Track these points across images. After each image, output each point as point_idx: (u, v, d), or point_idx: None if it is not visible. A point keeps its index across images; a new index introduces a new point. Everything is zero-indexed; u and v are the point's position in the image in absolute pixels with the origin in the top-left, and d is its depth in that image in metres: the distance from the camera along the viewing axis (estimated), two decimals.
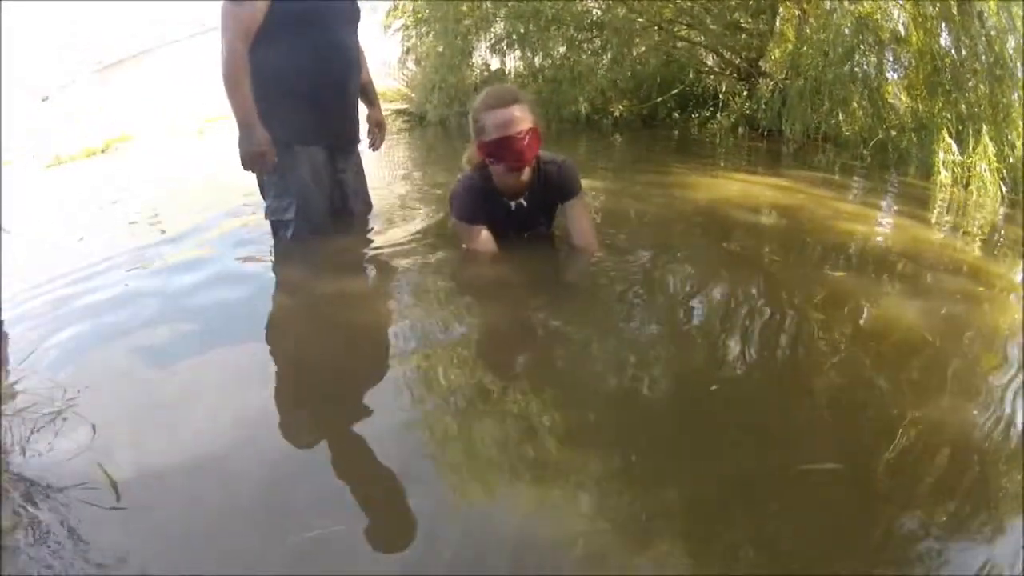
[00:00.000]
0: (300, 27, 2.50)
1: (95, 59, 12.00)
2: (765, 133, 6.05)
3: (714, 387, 1.67)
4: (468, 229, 2.47)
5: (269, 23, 2.43)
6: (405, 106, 9.17)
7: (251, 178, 2.73)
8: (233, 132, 2.53)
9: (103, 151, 8.12)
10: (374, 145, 3.04)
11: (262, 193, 2.71)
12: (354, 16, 2.78)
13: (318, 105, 2.61)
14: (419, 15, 8.56)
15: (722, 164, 5.41)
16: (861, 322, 2.09)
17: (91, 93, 11.30)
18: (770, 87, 6.10)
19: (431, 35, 8.43)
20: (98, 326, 2.12)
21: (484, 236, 2.45)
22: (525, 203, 2.50)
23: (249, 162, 2.50)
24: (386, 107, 2.98)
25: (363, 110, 2.94)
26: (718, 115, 6.80)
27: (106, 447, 1.40)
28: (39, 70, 11.02)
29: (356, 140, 2.86)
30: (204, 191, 4.35)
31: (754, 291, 2.35)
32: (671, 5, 6.95)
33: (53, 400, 1.57)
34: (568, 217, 2.54)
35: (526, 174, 2.38)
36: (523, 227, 2.61)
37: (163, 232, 3.26)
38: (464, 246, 2.50)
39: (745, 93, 6.63)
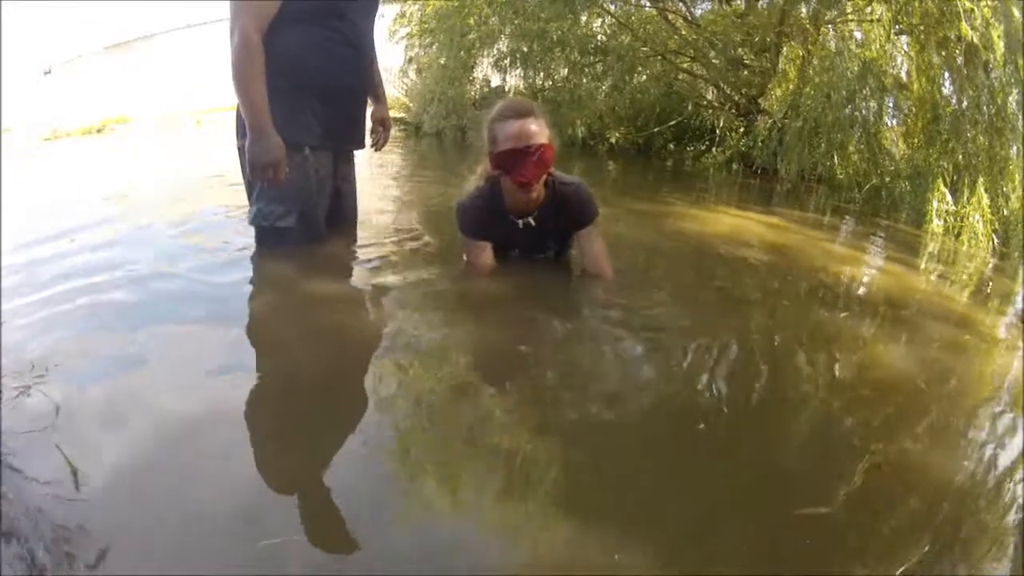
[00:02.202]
0: (321, 16, 2.31)
1: (105, 36, 11.93)
2: (759, 171, 6.05)
3: (700, 426, 1.61)
4: (469, 244, 2.39)
5: (287, 10, 2.23)
6: (402, 115, 9.19)
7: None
8: (230, 125, 2.38)
9: (99, 131, 8.10)
10: (377, 145, 2.85)
11: (249, 195, 2.48)
12: (375, 4, 2.61)
13: (333, 106, 2.43)
14: (425, 25, 8.60)
15: (714, 199, 5.39)
16: (847, 364, 2.06)
17: (96, 70, 11.25)
18: (768, 125, 6.09)
19: (435, 46, 8.46)
20: (73, 308, 2.03)
21: (484, 252, 2.37)
22: (534, 223, 2.38)
23: (259, 170, 2.26)
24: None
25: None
26: (714, 149, 6.81)
27: (70, 429, 1.37)
28: (45, 43, 10.94)
29: (362, 144, 2.69)
30: (196, 184, 4.24)
31: (741, 329, 2.28)
32: (676, 37, 6.96)
33: (21, 375, 1.54)
34: (581, 244, 2.44)
35: (537, 192, 2.28)
36: (531, 248, 2.51)
37: (145, 221, 3.14)
38: (464, 259, 2.42)
39: (742, 129, 6.63)
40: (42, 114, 8.09)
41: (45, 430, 1.34)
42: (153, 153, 6.42)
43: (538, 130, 2.18)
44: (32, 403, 1.44)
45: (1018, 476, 1.51)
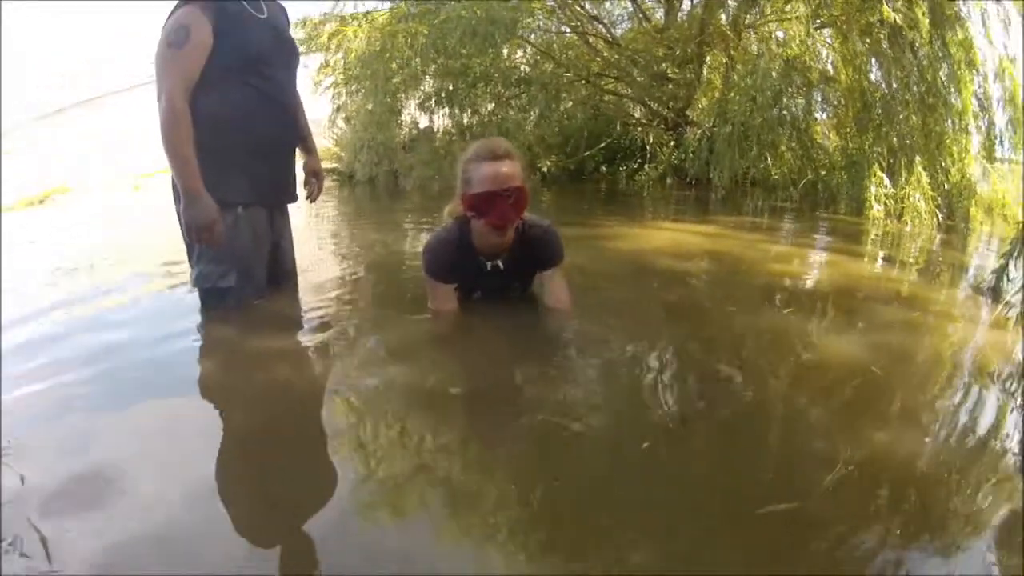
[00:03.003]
0: (244, 73, 2.29)
1: (39, 106, 11.72)
2: (693, 182, 5.92)
3: (645, 444, 1.51)
4: (433, 285, 2.31)
5: (210, 70, 2.21)
6: (335, 165, 8.96)
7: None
8: (167, 186, 2.36)
9: (41, 202, 7.82)
10: (312, 196, 2.78)
11: (189, 257, 2.46)
12: (296, 59, 2.60)
13: (262, 161, 2.41)
14: (349, 72, 8.44)
15: (651, 214, 5.31)
16: (801, 360, 2.05)
17: (33, 140, 11.05)
18: (697, 136, 5.97)
19: (361, 93, 8.29)
20: (30, 378, 1.96)
21: (448, 297, 2.31)
22: (502, 265, 2.31)
23: (195, 233, 2.25)
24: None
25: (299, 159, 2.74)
26: (646, 166, 6.67)
27: (36, 499, 1.33)
28: None
29: (295, 198, 2.64)
30: (138, 250, 4.08)
31: (689, 338, 2.28)
32: (598, 59, 6.85)
33: None
34: (544, 281, 2.39)
35: (508, 234, 2.22)
36: (497, 290, 2.43)
37: (96, 291, 3.04)
38: (429, 305, 2.34)
39: (673, 143, 6.49)
40: None
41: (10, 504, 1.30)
42: (96, 222, 6.18)
43: (513, 172, 2.12)
44: None
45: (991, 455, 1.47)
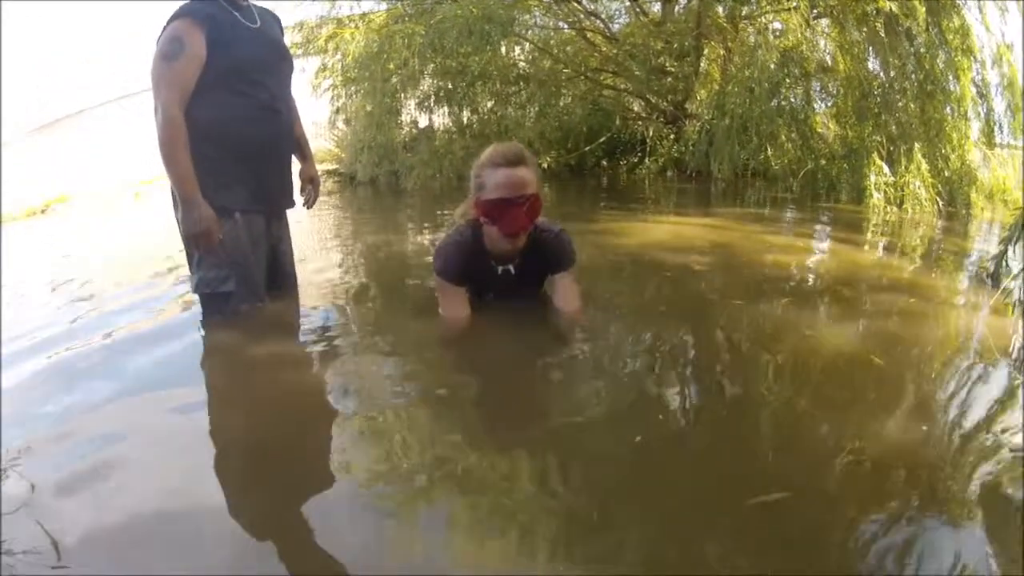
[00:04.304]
0: (237, 83, 2.35)
1: (33, 118, 11.74)
2: (693, 174, 5.90)
3: (639, 438, 1.53)
4: (444, 288, 2.29)
5: (204, 79, 2.28)
6: (335, 166, 8.98)
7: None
8: (167, 194, 2.40)
9: (43, 212, 7.90)
10: (308, 202, 2.82)
11: (190, 264, 2.49)
12: (290, 66, 2.64)
13: (258, 168, 2.46)
14: (348, 75, 8.44)
15: (652, 208, 5.27)
16: (802, 349, 2.04)
17: (31, 152, 11.09)
18: (697, 128, 5.94)
19: (360, 94, 8.29)
20: (36, 389, 1.99)
21: (459, 301, 2.28)
22: (514, 270, 2.31)
23: (193, 239, 2.32)
24: (317, 168, 2.88)
25: (295, 165, 2.77)
26: (646, 160, 6.69)
27: (46, 506, 1.35)
28: None
29: (292, 203, 2.68)
30: (142, 258, 4.07)
31: (692, 331, 2.29)
32: (596, 54, 6.85)
33: None
34: (555, 283, 2.35)
35: (521, 241, 2.20)
36: (507, 293, 2.40)
37: (99, 299, 3.07)
38: (439, 308, 2.33)
39: (672, 136, 6.50)
40: None
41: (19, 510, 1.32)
42: (96, 231, 6.21)
43: (528, 179, 2.11)
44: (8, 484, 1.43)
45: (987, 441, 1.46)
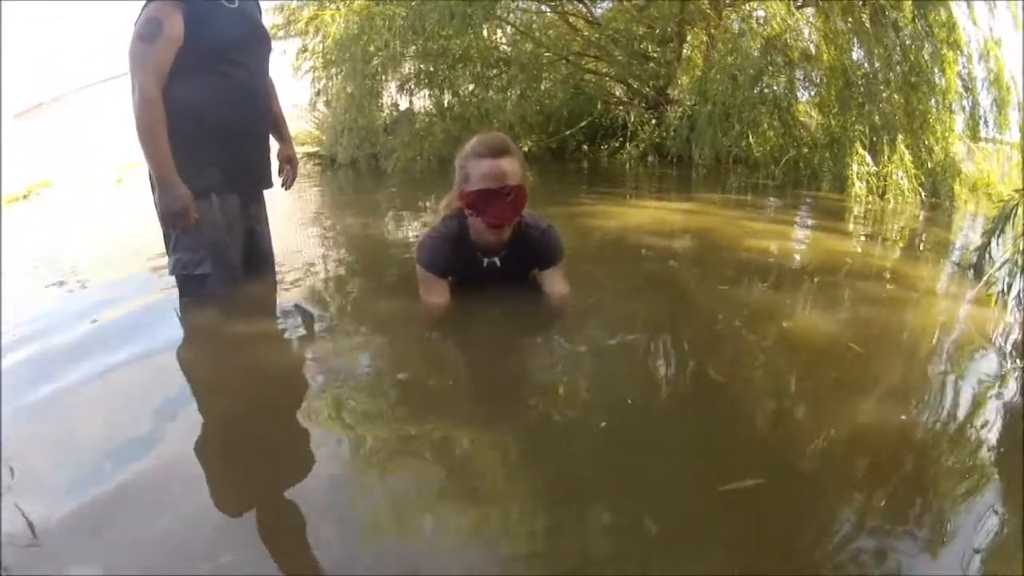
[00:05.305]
0: (215, 63, 2.35)
1: (13, 104, 11.46)
2: (675, 160, 5.90)
3: (604, 424, 1.52)
4: (426, 278, 2.27)
5: (182, 60, 2.27)
6: (316, 149, 8.84)
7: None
8: (147, 180, 2.40)
9: (25, 197, 7.64)
10: (287, 183, 2.82)
11: (167, 246, 2.49)
12: (268, 46, 2.64)
13: (234, 150, 2.46)
14: (328, 57, 8.32)
15: (633, 193, 5.28)
16: (780, 336, 2.05)
17: (12, 138, 10.84)
18: (678, 114, 5.93)
19: (340, 76, 8.17)
20: (16, 370, 1.98)
21: (440, 289, 2.27)
22: (499, 263, 2.29)
23: (170, 219, 2.32)
24: (297, 150, 2.84)
25: (273, 146, 2.78)
26: (627, 145, 6.64)
27: (23, 489, 1.36)
28: None
29: (270, 184, 2.70)
30: (120, 242, 4.04)
31: (670, 316, 2.31)
32: (578, 38, 6.78)
33: None
34: (543, 275, 2.35)
35: (506, 233, 2.20)
36: (492, 284, 2.38)
37: (81, 284, 3.02)
38: (421, 295, 2.31)
39: (654, 121, 6.46)
40: None
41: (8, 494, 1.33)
42: (79, 216, 6.08)
43: (513, 170, 2.09)
44: None
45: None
